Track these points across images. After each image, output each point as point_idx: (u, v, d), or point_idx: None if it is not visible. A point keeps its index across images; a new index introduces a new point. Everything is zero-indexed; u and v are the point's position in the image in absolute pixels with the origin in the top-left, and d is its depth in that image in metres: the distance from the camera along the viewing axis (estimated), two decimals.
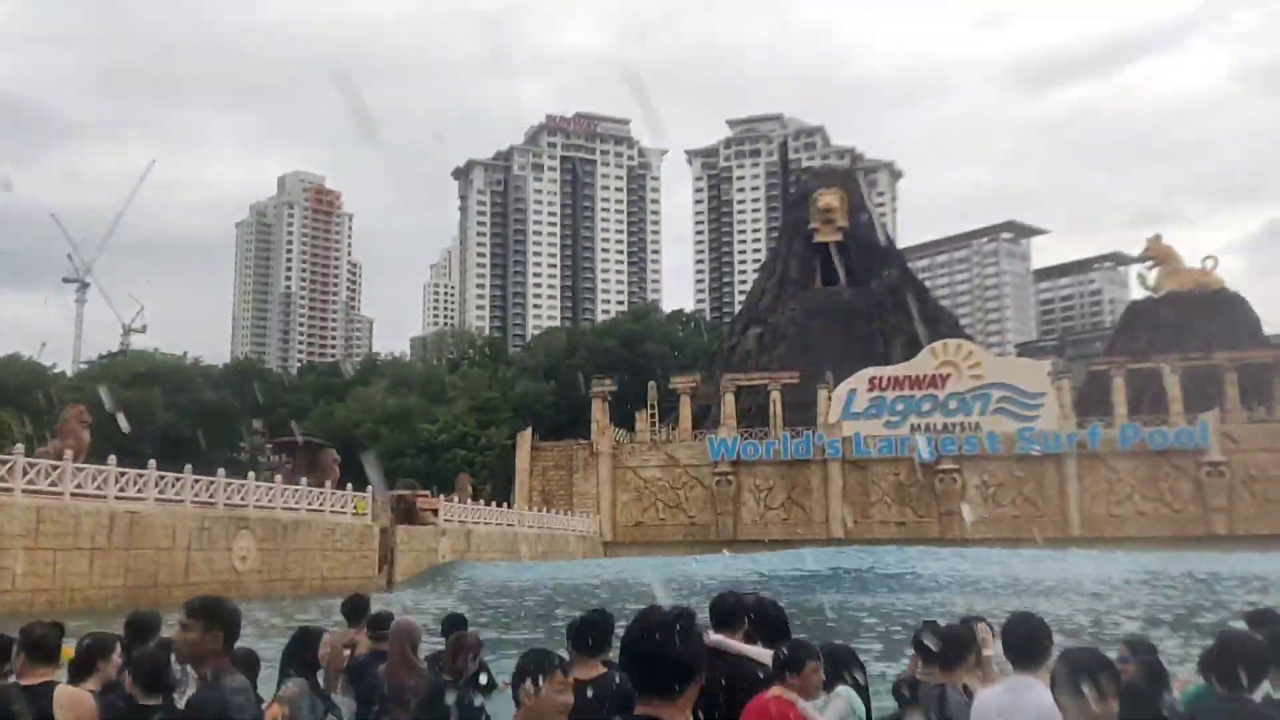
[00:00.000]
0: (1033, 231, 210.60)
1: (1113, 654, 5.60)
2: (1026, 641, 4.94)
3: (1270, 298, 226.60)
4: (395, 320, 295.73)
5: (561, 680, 3.98)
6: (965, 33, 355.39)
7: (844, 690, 5.22)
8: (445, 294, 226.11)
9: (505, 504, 56.14)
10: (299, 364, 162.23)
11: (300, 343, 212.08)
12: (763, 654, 5.46)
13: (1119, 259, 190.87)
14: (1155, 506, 60.14)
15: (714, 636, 5.27)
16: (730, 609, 5.88)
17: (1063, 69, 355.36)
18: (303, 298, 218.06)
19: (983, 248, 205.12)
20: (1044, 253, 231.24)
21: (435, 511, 47.37)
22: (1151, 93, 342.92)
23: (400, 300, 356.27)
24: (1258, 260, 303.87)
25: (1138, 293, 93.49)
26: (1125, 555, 39.47)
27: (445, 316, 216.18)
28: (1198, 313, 78.50)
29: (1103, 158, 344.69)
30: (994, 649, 6.05)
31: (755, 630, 5.82)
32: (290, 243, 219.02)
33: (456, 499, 51.43)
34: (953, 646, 5.82)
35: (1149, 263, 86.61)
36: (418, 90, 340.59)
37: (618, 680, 5.19)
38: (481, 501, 53.76)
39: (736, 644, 5.38)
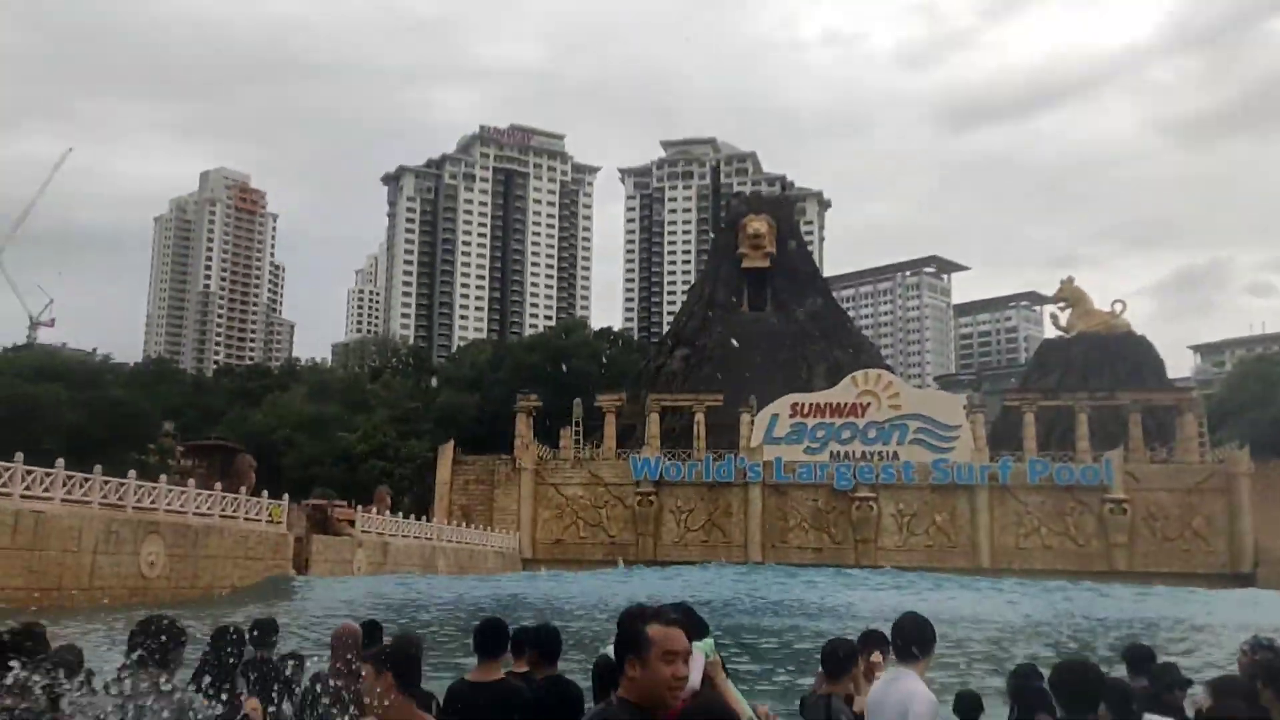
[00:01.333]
0: (954, 267, 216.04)
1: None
2: (908, 637, 5.55)
3: (1174, 342, 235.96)
4: (318, 326, 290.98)
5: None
6: (891, 71, 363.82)
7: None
8: (370, 301, 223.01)
9: (424, 517, 55.54)
10: (215, 366, 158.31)
11: (217, 344, 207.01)
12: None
13: (1034, 298, 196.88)
14: (1061, 540, 61.92)
15: None
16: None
17: (983, 112, 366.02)
18: (221, 298, 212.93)
19: (905, 280, 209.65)
20: (964, 288, 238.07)
21: (351, 522, 46.76)
22: (1067, 139, 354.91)
23: (323, 306, 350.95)
24: (1164, 305, 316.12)
25: (1051, 332, 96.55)
26: (1036, 586, 40.78)
27: (370, 324, 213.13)
28: (1106, 354, 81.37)
29: (1020, 199, 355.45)
30: (887, 665, 6.51)
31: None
32: (211, 241, 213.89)
33: (374, 510, 50.81)
34: (834, 660, 6.25)
35: (1062, 303, 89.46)
36: (348, 94, 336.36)
37: (511, 687, 5.52)
38: (400, 514, 53.14)
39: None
